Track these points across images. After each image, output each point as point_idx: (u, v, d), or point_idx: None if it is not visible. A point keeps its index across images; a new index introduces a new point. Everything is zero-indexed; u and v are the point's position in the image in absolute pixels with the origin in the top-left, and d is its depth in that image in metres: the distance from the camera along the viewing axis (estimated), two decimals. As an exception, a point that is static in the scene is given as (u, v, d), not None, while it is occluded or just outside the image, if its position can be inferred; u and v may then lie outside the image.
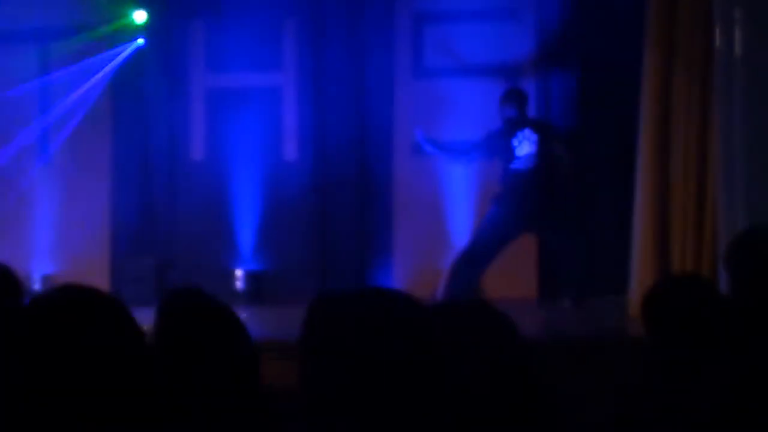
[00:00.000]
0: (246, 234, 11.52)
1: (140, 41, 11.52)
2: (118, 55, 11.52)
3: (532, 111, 9.97)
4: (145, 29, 11.53)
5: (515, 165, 9.41)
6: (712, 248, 8.45)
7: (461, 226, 10.87)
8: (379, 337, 2.47)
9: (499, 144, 9.51)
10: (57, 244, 11.52)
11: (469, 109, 10.93)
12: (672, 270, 8.67)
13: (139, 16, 11.50)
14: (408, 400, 2.30)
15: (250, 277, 11.36)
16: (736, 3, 8.03)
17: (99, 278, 10.72)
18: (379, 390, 2.39)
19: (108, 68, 11.53)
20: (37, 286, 11.15)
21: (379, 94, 11.39)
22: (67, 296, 2.31)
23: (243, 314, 2.98)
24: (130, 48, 11.52)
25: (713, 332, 3.21)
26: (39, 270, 11.43)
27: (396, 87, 11.41)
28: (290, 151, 11.59)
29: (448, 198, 11.05)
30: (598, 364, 6.67)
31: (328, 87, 11.52)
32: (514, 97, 9.70)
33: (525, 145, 9.40)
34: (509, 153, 9.44)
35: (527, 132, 9.45)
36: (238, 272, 11.36)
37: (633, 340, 7.27)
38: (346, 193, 11.41)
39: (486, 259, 9.45)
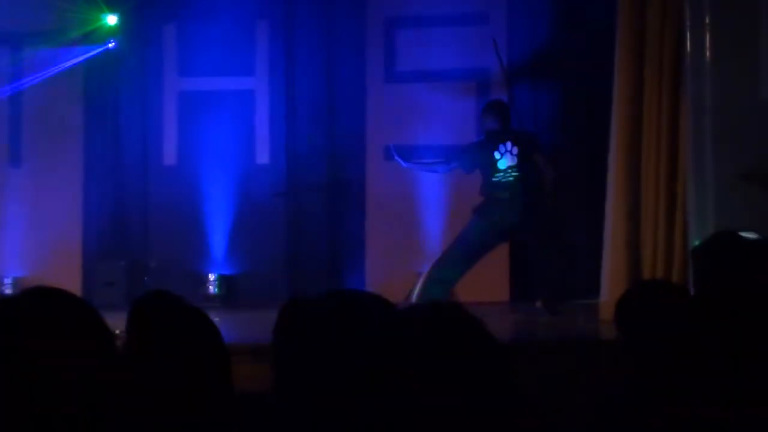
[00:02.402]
0: (218, 238, 11.50)
1: (112, 45, 11.47)
2: (91, 58, 11.47)
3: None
4: (118, 33, 11.49)
5: (497, 177, 9.40)
6: (683, 253, 8.48)
7: (433, 229, 10.88)
8: (350, 340, 2.47)
9: (480, 156, 9.50)
10: (28, 247, 11.47)
11: (440, 114, 10.95)
12: (643, 274, 8.70)
13: (112, 20, 11.45)
14: (379, 401, 2.30)
15: (222, 281, 11.35)
16: (706, 8, 8.07)
17: (70, 282, 10.66)
18: (350, 392, 2.39)
19: (80, 71, 11.49)
20: (7, 290, 11.10)
21: (350, 98, 11.40)
22: (36, 299, 2.30)
23: (215, 318, 2.97)
24: (102, 51, 11.46)
25: (684, 336, 3.22)
26: (10, 273, 11.38)
27: (368, 91, 11.41)
28: (262, 154, 11.58)
29: (420, 202, 11.06)
30: (570, 367, 6.69)
31: (300, 91, 11.52)
32: (495, 109, 9.65)
33: (507, 158, 9.40)
34: (491, 165, 9.42)
35: (509, 144, 9.43)
36: (211, 276, 11.34)
37: (605, 343, 7.30)
38: (318, 197, 11.42)
39: (463, 266, 9.46)
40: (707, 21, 8.07)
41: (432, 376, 2.29)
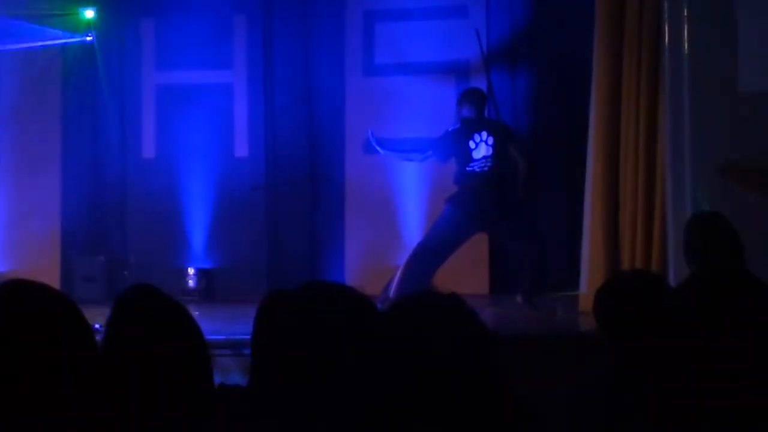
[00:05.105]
0: (197, 232, 11.48)
1: (89, 38, 11.42)
2: (68, 52, 11.43)
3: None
4: (95, 26, 11.44)
5: (471, 166, 9.37)
6: (661, 245, 8.51)
7: (412, 223, 10.88)
8: (329, 333, 2.47)
9: (455, 145, 9.46)
10: (7, 242, 11.42)
11: (419, 107, 10.94)
12: (622, 265, 8.72)
13: (89, 13, 11.40)
14: (358, 394, 2.30)
15: (201, 275, 11.32)
16: (685, 1, 8.09)
17: (49, 277, 10.60)
18: (329, 384, 2.39)
19: (57, 64, 11.46)
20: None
21: (329, 91, 11.39)
22: (16, 292, 2.29)
23: (194, 312, 2.97)
24: (79, 45, 11.42)
25: (663, 326, 3.23)
26: (-12, 268, 11.34)
27: (347, 84, 11.41)
28: (241, 148, 11.57)
29: (399, 195, 11.06)
30: (550, 360, 6.70)
31: (279, 84, 11.51)
32: (472, 97, 9.61)
33: (482, 147, 9.37)
34: (465, 154, 9.39)
35: (484, 134, 9.40)
36: (190, 270, 11.32)
37: (584, 334, 7.33)
38: (297, 190, 11.40)
39: (439, 258, 9.44)
40: (685, 13, 8.09)
41: (423, 366, 2.28)
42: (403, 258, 9.85)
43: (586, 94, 9.32)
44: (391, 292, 9.19)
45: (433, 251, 9.39)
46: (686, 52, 8.07)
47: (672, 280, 7.65)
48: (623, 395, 3.03)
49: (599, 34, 9.09)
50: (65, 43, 11.35)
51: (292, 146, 11.44)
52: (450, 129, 9.59)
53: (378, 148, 9.96)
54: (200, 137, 11.43)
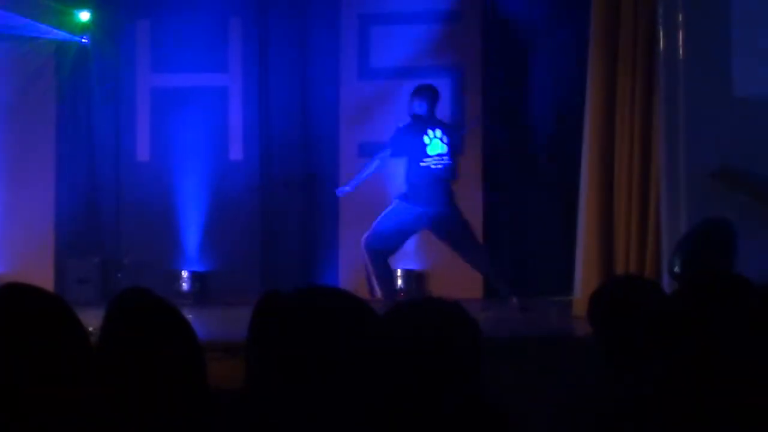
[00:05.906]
0: (191, 234, 11.47)
1: (84, 40, 11.42)
2: (63, 54, 11.43)
3: (478, 113, 9.95)
4: (90, 29, 11.44)
5: (426, 162, 9.31)
6: (656, 248, 8.51)
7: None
8: (323, 335, 2.47)
9: (409, 140, 9.36)
10: (1, 244, 11.41)
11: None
12: (616, 269, 8.73)
13: (85, 16, 11.40)
14: (352, 396, 2.30)
15: (196, 278, 11.32)
16: (679, 6, 8.10)
17: (43, 279, 10.59)
18: (327, 386, 2.39)
19: (52, 66, 11.45)
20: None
21: (324, 94, 11.39)
22: (11, 295, 2.30)
23: (188, 315, 2.96)
24: (74, 47, 11.41)
25: (657, 330, 3.24)
26: (-18, 271, 11.32)
27: (341, 88, 11.41)
28: (236, 151, 11.57)
29: (393, 198, 11.05)
30: (545, 364, 6.70)
31: (274, 87, 11.51)
32: (424, 93, 9.51)
33: (437, 144, 9.31)
34: (420, 149, 9.31)
35: (439, 131, 9.35)
36: (184, 273, 11.32)
37: (579, 339, 7.32)
38: (292, 193, 11.40)
39: (392, 250, 9.42)
40: (680, 18, 8.10)
41: (422, 367, 2.29)
42: (398, 262, 9.85)
43: (581, 98, 9.32)
44: (378, 294, 9.22)
45: (384, 244, 9.35)
46: (681, 56, 8.09)
47: (666, 284, 7.66)
48: (617, 399, 3.03)
49: (594, 40, 9.10)
50: (60, 42, 11.33)
51: (287, 149, 11.45)
52: (401, 125, 9.52)
53: (348, 188, 9.91)
54: (195, 140, 11.44)
